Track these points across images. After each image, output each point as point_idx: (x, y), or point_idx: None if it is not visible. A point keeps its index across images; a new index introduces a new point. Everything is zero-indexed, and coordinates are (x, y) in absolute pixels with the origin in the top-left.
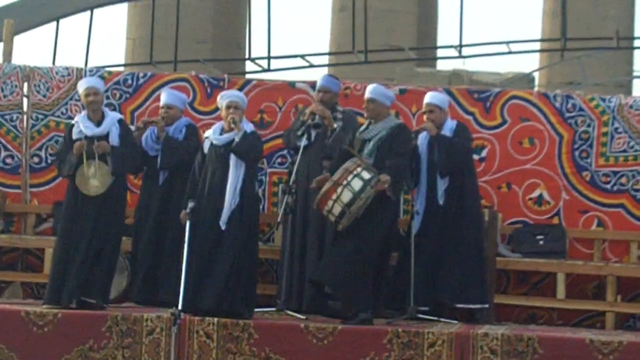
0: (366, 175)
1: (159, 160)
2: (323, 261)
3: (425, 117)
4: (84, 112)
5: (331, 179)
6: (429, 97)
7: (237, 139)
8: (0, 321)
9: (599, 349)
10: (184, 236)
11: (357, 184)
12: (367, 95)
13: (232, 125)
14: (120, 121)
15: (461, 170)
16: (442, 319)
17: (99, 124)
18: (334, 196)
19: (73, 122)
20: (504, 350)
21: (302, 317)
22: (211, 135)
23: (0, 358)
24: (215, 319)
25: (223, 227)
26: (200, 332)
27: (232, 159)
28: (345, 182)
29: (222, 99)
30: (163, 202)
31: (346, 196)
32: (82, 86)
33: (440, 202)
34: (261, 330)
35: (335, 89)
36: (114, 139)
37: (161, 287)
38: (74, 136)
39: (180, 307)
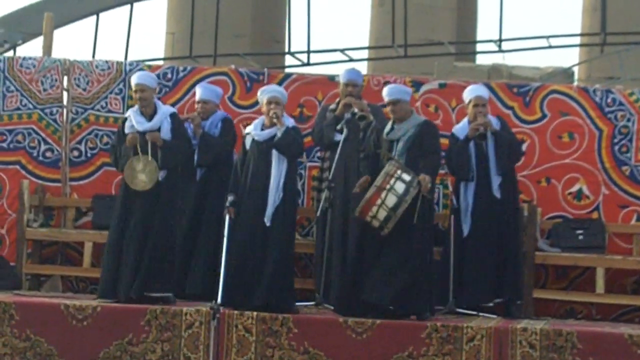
0: (406, 177)
1: (196, 157)
2: (375, 279)
3: (475, 111)
4: (136, 107)
5: (373, 184)
6: (478, 91)
7: (279, 135)
8: (40, 315)
9: (638, 344)
10: (220, 231)
11: (400, 187)
12: (389, 97)
13: (275, 121)
14: (172, 115)
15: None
16: (481, 314)
17: (150, 118)
18: (379, 201)
19: (126, 115)
20: (542, 345)
21: None
22: (252, 131)
23: (40, 352)
24: (255, 313)
25: (268, 224)
26: (239, 326)
27: (275, 154)
28: (388, 187)
29: (263, 94)
30: (200, 198)
31: (391, 200)
32: (132, 82)
33: (498, 196)
34: (300, 324)
35: (360, 81)
36: (166, 133)
37: (191, 281)
38: (126, 130)
39: (219, 301)
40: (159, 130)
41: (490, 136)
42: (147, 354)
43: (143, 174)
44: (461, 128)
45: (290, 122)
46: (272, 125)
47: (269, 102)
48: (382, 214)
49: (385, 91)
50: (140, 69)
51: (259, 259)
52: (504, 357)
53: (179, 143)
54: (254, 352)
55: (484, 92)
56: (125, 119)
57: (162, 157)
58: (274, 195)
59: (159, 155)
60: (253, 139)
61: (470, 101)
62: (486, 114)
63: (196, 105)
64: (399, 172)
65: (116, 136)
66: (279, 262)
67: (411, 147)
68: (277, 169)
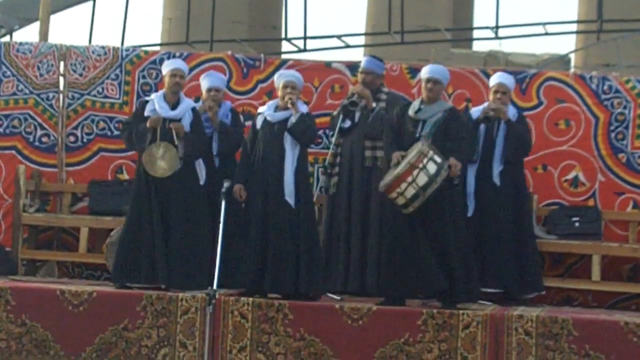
0: (438, 159)
1: (217, 146)
2: (428, 268)
3: (495, 97)
4: (161, 92)
5: (406, 161)
6: (501, 78)
7: (293, 120)
8: (36, 300)
9: (634, 332)
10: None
11: (432, 168)
12: (430, 74)
13: (290, 107)
14: (193, 109)
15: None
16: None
17: (174, 107)
18: (409, 178)
19: (147, 98)
20: (538, 332)
21: (337, 297)
22: (266, 112)
23: (35, 337)
24: (251, 299)
25: (293, 205)
26: (235, 312)
27: (288, 138)
28: (421, 165)
29: (279, 78)
30: (219, 185)
31: (422, 179)
32: (169, 66)
33: (497, 183)
34: (296, 310)
35: (379, 70)
36: (186, 126)
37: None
38: (146, 113)
39: (215, 286)
40: (179, 120)
41: (503, 125)
42: (142, 339)
43: (163, 161)
44: (477, 111)
45: (304, 108)
46: (287, 108)
47: (285, 86)
48: (411, 192)
49: (427, 68)
50: (175, 57)
51: (284, 241)
52: (499, 344)
53: (198, 137)
54: (250, 339)
55: (507, 80)
56: (146, 100)
57: (185, 148)
58: (290, 178)
59: (179, 146)
60: (265, 119)
61: (492, 87)
62: (505, 102)
63: (205, 94)
64: (431, 152)
65: (132, 115)
66: (309, 245)
67: (438, 130)
68: (291, 152)
